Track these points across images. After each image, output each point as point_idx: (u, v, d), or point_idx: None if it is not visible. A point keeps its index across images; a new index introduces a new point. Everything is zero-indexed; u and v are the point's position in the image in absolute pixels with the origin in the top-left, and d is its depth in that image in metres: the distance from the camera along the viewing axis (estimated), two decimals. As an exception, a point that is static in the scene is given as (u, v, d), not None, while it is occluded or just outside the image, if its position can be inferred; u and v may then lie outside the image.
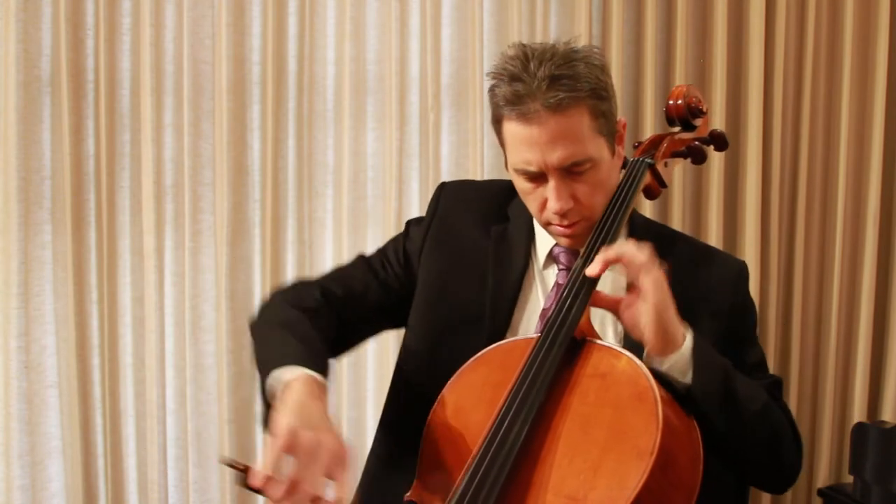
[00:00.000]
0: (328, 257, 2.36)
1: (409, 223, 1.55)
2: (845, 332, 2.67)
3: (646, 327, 1.18)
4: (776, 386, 1.38)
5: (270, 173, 2.26)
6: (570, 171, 1.27)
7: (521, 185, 1.33)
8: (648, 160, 1.41)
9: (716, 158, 2.50)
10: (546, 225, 1.36)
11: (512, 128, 1.28)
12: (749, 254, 2.52)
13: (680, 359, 1.19)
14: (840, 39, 2.59)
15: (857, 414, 2.64)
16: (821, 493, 2.55)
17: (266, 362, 1.21)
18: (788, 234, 2.64)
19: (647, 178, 1.40)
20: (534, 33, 2.39)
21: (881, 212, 2.64)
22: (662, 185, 1.43)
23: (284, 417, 1.04)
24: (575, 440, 1.13)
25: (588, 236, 1.32)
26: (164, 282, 2.23)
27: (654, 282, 1.18)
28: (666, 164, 1.44)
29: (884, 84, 2.60)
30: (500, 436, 1.14)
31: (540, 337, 1.23)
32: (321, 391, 1.14)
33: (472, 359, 1.29)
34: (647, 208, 2.45)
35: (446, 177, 2.39)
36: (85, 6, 2.14)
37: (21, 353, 2.14)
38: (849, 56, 2.58)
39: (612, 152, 1.32)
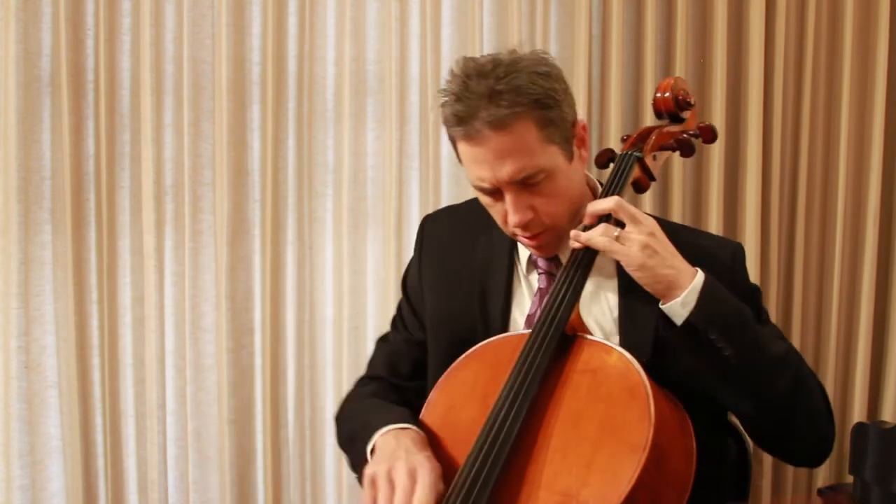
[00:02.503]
0: (328, 257, 2.36)
1: (402, 278, 1.58)
2: (845, 332, 2.67)
3: (638, 269, 1.22)
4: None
5: (270, 173, 2.26)
6: (525, 184, 1.26)
7: (482, 200, 1.34)
8: (637, 154, 1.40)
9: (716, 158, 2.50)
10: (513, 236, 1.37)
11: (462, 147, 1.28)
12: (749, 253, 2.49)
13: (690, 294, 1.20)
14: (840, 39, 2.59)
15: (857, 414, 2.64)
16: (821, 493, 2.55)
17: (354, 437, 1.35)
18: (788, 234, 2.64)
19: (636, 172, 1.39)
20: (534, 33, 2.39)
21: (881, 212, 2.64)
22: (651, 178, 1.42)
23: (368, 467, 1.19)
24: (567, 436, 1.14)
25: (558, 243, 1.35)
26: (164, 282, 2.23)
27: (631, 218, 1.24)
28: (654, 158, 1.44)
29: (884, 84, 2.60)
30: (492, 433, 1.14)
31: (531, 333, 1.23)
32: (405, 432, 1.24)
33: (463, 356, 1.30)
34: (648, 206, 2.45)
35: (446, 177, 2.39)
36: (85, 6, 2.13)
37: (21, 353, 2.13)
38: (849, 56, 2.58)
39: (570, 157, 1.31)
